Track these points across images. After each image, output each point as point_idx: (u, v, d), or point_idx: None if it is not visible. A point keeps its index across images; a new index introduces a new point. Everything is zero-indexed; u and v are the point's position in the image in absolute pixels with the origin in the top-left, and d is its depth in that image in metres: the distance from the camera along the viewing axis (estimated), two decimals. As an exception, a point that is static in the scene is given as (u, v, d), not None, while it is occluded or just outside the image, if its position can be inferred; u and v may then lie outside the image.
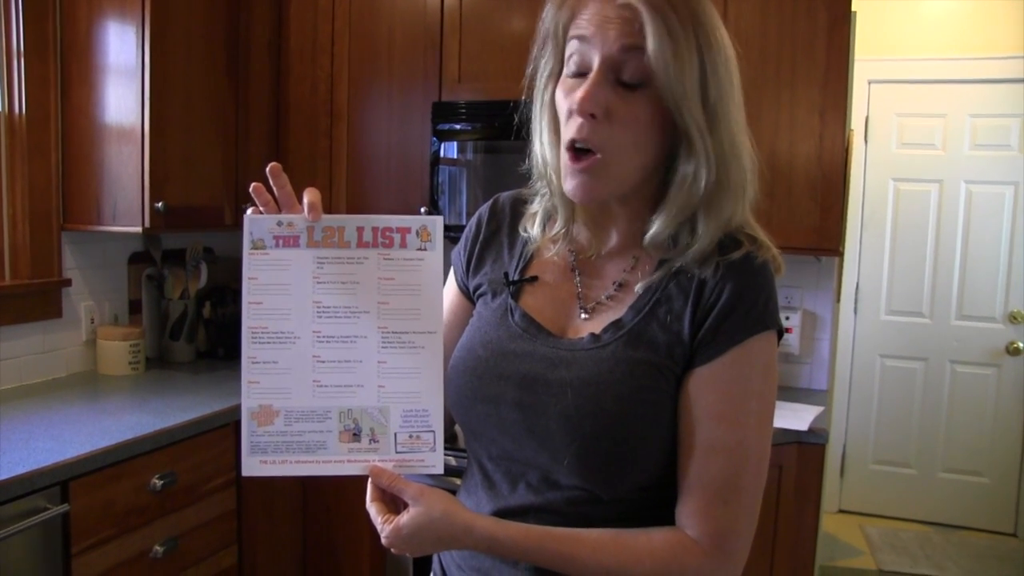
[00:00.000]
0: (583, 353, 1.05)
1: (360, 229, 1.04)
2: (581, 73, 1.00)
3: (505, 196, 1.24)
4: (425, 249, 1.05)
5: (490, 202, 1.24)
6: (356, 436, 1.04)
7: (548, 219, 1.15)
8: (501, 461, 1.11)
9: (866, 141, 4.43)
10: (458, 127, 2.77)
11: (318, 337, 1.03)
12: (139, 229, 2.55)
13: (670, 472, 1.03)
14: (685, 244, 1.04)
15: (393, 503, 1.05)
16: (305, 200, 1.02)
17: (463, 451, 1.14)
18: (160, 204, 2.54)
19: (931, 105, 4.34)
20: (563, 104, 1.02)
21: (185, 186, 2.67)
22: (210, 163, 2.78)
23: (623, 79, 0.98)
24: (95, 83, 2.58)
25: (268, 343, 1.03)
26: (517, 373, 1.07)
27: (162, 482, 2.14)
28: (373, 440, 1.04)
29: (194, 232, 3.02)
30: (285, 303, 1.03)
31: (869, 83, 4.38)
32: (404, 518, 1.01)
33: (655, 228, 1.04)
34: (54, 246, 2.65)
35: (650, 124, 0.99)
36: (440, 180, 2.81)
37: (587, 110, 0.97)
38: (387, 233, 1.04)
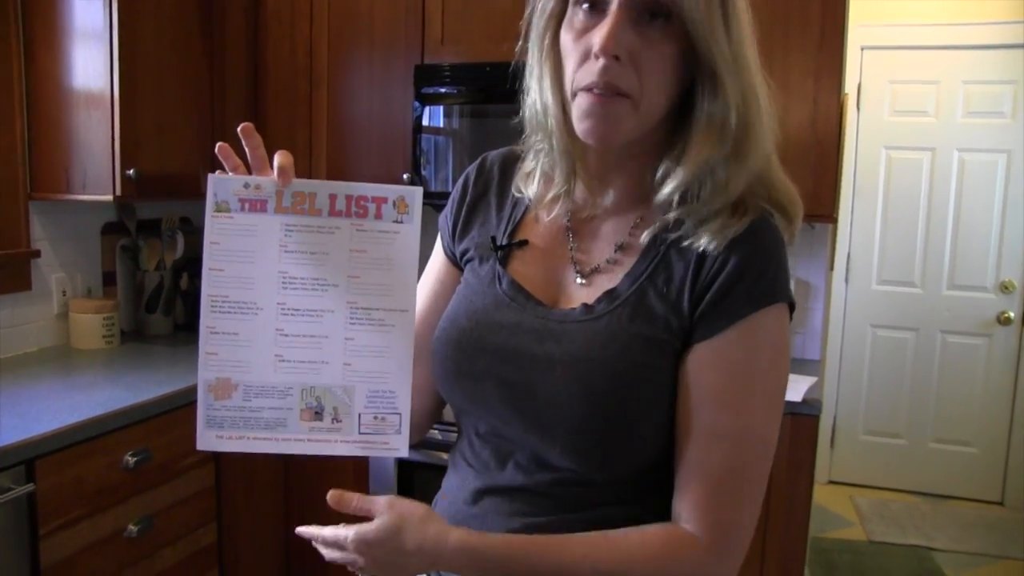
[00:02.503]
0: (574, 325, 0.98)
1: (333, 197, 0.97)
2: (594, 6, 0.91)
3: (494, 155, 1.16)
4: (401, 222, 0.97)
5: (477, 161, 1.16)
6: (318, 415, 0.97)
7: (545, 179, 1.07)
8: (490, 438, 1.04)
9: (858, 108, 4.36)
10: (442, 91, 2.68)
11: (282, 309, 0.96)
12: (110, 197, 2.45)
13: (671, 453, 0.96)
14: (700, 199, 0.95)
15: None
16: (275, 162, 0.94)
17: (451, 424, 1.07)
18: (132, 171, 2.44)
19: (924, 72, 4.26)
20: (573, 46, 0.93)
21: (158, 153, 2.57)
22: (184, 129, 2.68)
23: (645, 12, 0.89)
24: (61, 45, 2.47)
25: (229, 313, 0.96)
26: (502, 347, 1.00)
27: (135, 459, 2.07)
28: (336, 420, 0.97)
29: (169, 201, 2.93)
30: (249, 271, 0.96)
31: (862, 49, 4.30)
32: (372, 525, 0.93)
33: (675, 182, 0.95)
34: (21, 216, 2.55)
35: (674, 62, 0.91)
36: (424, 146, 2.72)
37: (611, 51, 0.88)
38: (362, 202, 0.97)
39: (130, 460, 2.06)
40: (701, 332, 0.93)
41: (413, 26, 2.77)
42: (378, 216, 0.97)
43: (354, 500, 0.96)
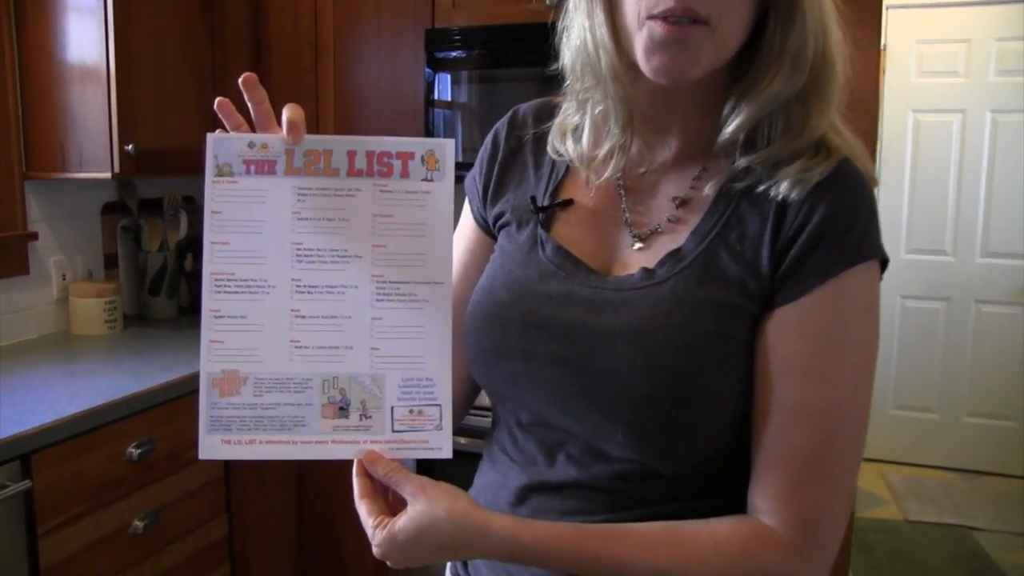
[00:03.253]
0: (634, 293, 0.84)
1: (351, 154, 0.84)
2: None
3: (526, 107, 1.02)
4: (431, 179, 0.84)
5: (508, 115, 1.02)
6: (343, 411, 0.84)
7: (595, 133, 0.93)
8: (535, 428, 0.91)
9: (884, 71, 4.19)
10: (453, 55, 2.53)
11: (297, 286, 0.83)
12: (108, 175, 2.32)
13: (745, 441, 0.83)
14: (772, 142, 0.82)
15: (389, 501, 0.85)
16: (284, 117, 0.82)
17: (486, 410, 0.93)
18: (130, 147, 2.30)
19: (953, 30, 4.08)
20: None
21: (158, 128, 2.43)
22: (185, 103, 2.54)
23: None
24: (54, 15, 2.34)
25: (235, 293, 0.83)
26: (551, 321, 0.86)
27: (139, 451, 1.95)
28: (364, 416, 0.84)
29: (170, 178, 2.79)
30: (257, 244, 0.83)
31: (887, 8, 4.11)
32: (401, 520, 0.80)
33: (740, 118, 0.82)
34: (16, 196, 2.42)
35: None
36: (435, 115, 2.58)
37: None
38: (385, 159, 0.84)
39: (133, 452, 1.94)
40: (784, 294, 0.80)
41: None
42: (404, 174, 0.84)
43: (388, 468, 0.83)
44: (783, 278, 0.80)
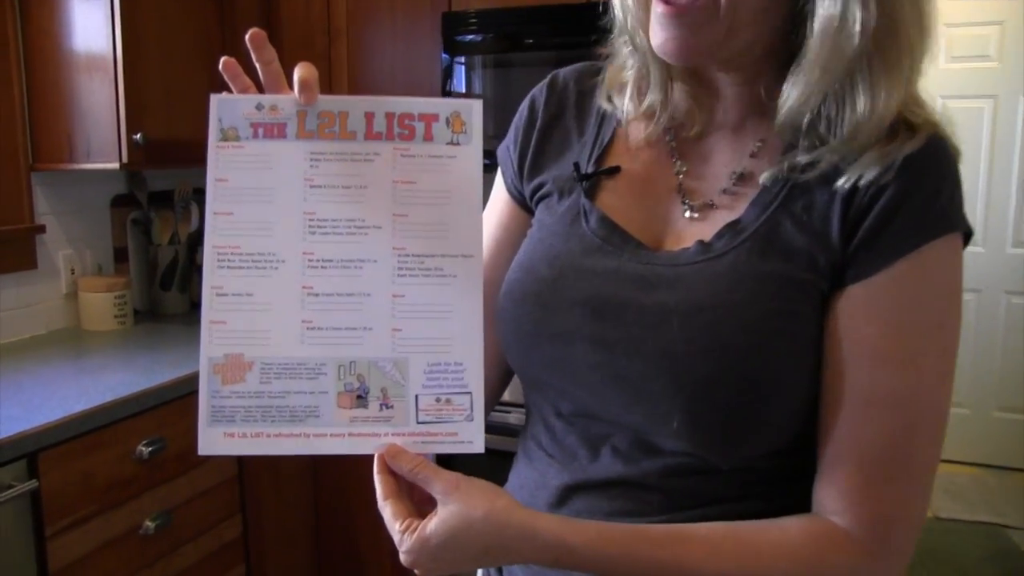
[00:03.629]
0: (690, 268, 0.76)
1: (369, 115, 0.76)
2: None
3: (567, 71, 0.94)
4: (458, 143, 0.76)
5: (546, 80, 0.94)
6: (361, 399, 0.76)
7: (638, 88, 0.86)
8: (576, 419, 0.83)
9: (911, 56, 4.08)
10: (472, 39, 2.45)
11: (310, 260, 0.75)
12: (116, 165, 2.25)
13: (813, 432, 0.75)
14: (840, 131, 0.73)
15: (415, 501, 0.77)
16: (296, 76, 0.75)
17: (517, 405, 0.84)
18: (139, 136, 2.24)
19: (984, 12, 3.96)
20: None
21: (167, 117, 2.36)
22: (195, 91, 2.46)
23: None
24: (59, 1, 2.27)
25: (240, 268, 0.75)
26: (597, 298, 0.78)
27: (150, 449, 1.88)
28: (385, 405, 0.76)
29: (181, 169, 2.72)
30: (266, 213, 0.75)
31: (914, -8, 4.01)
32: (432, 523, 0.72)
33: (790, 100, 0.73)
34: (23, 188, 2.36)
35: None
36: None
37: None
38: (406, 121, 0.76)
39: (144, 450, 1.87)
40: (857, 269, 0.72)
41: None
42: (428, 137, 0.76)
43: (414, 464, 0.74)
44: (856, 251, 0.72)
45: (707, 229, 0.79)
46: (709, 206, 0.81)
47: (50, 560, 1.66)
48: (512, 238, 0.92)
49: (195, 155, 2.39)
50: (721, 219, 0.79)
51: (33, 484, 1.61)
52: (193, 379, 2.02)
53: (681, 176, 0.83)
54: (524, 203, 0.93)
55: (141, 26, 2.27)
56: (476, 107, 0.77)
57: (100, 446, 1.78)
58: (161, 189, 2.75)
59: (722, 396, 0.72)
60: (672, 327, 0.74)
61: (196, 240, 2.77)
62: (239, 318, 0.75)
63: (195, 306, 2.81)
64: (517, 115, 0.94)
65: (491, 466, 0.97)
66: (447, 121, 0.76)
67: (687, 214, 0.81)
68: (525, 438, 0.91)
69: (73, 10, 2.26)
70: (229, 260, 0.76)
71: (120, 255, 2.69)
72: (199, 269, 2.75)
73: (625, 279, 0.78)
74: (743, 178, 0.79)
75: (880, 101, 0.71)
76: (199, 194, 2.80)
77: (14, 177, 2.33)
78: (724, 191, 0.80)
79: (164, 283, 2.70)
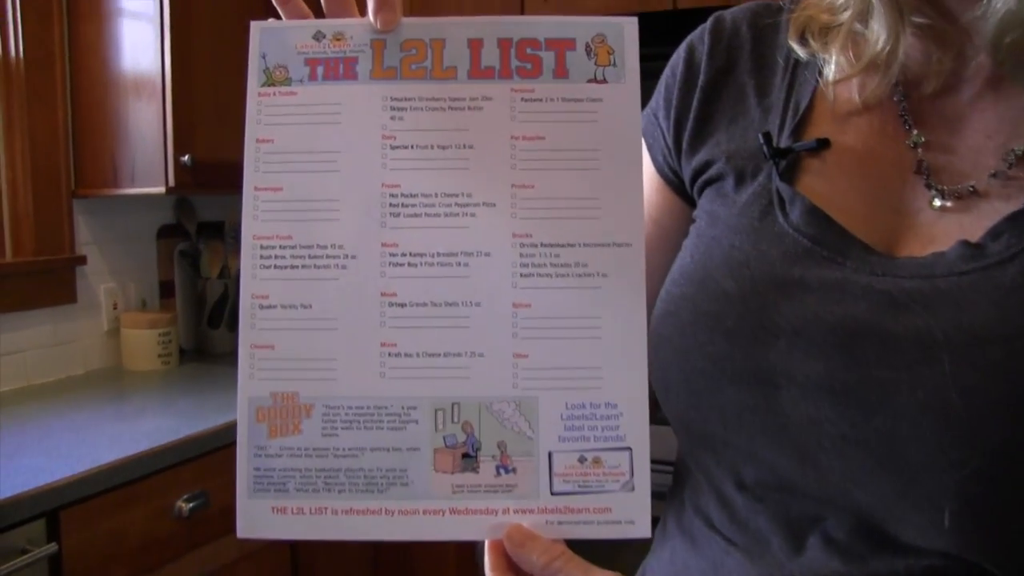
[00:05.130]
0: (956, 281, 0.51)
1: (475, 44, 0.53)
2: None
3: (736, 10, 0.69)
4: (604, 79, 0.53)
5: (708, 23, 0.69)
6: (469, 459, 0.51)
7: (851, 37, 0.61)
8: (768, 493, 0.57)
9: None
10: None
11: (392, 256, 0.52)
12: (162, 189, 2.08)
13: None
14: None
15: None
16: None
17: (661, 462, 0.57)
18: (187, 158, 2.06)
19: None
20: None
21: (217, 138, 2.17)
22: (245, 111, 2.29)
23: None
24: (108, 16, 2.13)
25: (293, 268, 0.52)
26: (815, 324, 0.54)
27: (191, 505, 1.65)
28: (504, 468, 0.51)
29: (231, 197, 2.53)
30: (328, 189, 0.53)
31: None
32: None
33: None
34: (64, 215, 2.18)
35: None
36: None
37: None
38: (529, 50, 0.53)
39: (183, 507, 1.64)
40: None
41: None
42: (560, 73, 0.53)
43: (549, 556, 0.49)
44: None
45: (972, 224, 0.53)
46: (971, 193, 0.55)
47: (73, 636, 1.44)
48: (667, 236, 0.67)
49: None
50: (993, 210, 0.53)
51: (52, 548, 1.38)
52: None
53: (920, 150, 0.58)
54: (681, 188, 0.68)
55: (192, 44, 2.12)
56: (629, 27, 0.53)
57: (133, 501, 1.56)
58: (211, 220, 2.57)
59: (1017, 470, 0.46)
60: (940, 367, 0.48)
61: (248, 274, 2.58)
62: (292, 341, 0.52)
63: (245, 345, 2.61)
64: (668, 70, 0.70)
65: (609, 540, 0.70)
66: (587, 48, 0.53)
67: (936, 202, 0.56)
68: (682, 509, 0.66)
69: (122, 26, 2.13)
70: (277, 257, 0.52)
71: (166, 289, 2.50)
72: (250, 305, 2.56)
73: (856, 296, 0.53)
74: (1022, 159, 0.54)
75: None
76: (252, 225, 2.62)
77: (55, 203, 2.16)
78: (993, 174, 0.54)
79: (212, 320, 2.50)
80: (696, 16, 0.71)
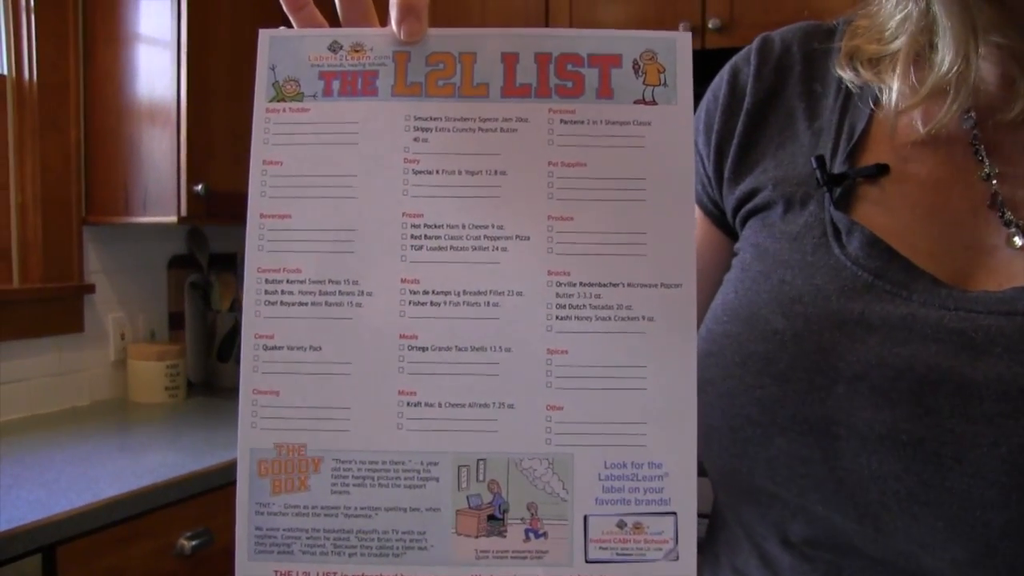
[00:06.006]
0: None
1: (510, 59, 0.48)
2: None
3: (784, 31, 0.65)
4: (654, 101, 0.48)
5: (754, 44, 0.65)
6: (496, 521, 0.46)
7: (914, 61, 0.56)
8: (817, 552, 0.52)
9: None
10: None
11: (413, 294, 0.47)
12: (174, 218, 2.05)
13: None
14: None
15: None
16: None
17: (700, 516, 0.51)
18: (200, 187, 2.03)
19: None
20: None
21: (232, 168, 2.15)
22: (263, 140, 2.27)
23: None
24: (125, 42, 2.11)
25: (302, 305, 0.48)
26: (880, 368, 0.49)
27: (193, 543, 1.60)
28: (534, 532, 0.46)
29: (244, 226, 2.51)
30: (343, 217, 0.48)
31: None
32: None
33: None
34: (74, 243, 2.15)
35: None
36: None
37: None
38: (569, 66, 0.48)
39: (186, 544, 1.59)
40: None
41: (535, 16, 2.32)
42: (605, 93, 0.48)
43: None
44: None
45: None
46: None
47: None
48: (706, 271, 0.62)
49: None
50: None
51: (47, 586, 1.33)
52: (246, 461, 1.75)
53: (995, 182, 0.53)
54: (722, 219, 0.64)
55: (209, 68, 2.10)
56: (682, 42, 0.48)
57: (134, 538, 1.51)
58: (223, 251, 2.53)
59: None
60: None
61: (258, 305, 2.54)
62: (299, 387, 0.47)
63: (254, 378, 2.56)
64: (708, 94, 0.65)
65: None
66: (635, 66, 0.48)
67: (1017, 240, 0.51)
68: (716, 565, 0.61)
69: (138, 52, 2.11)
70: (284, 292, 0.48)
71: (175, 321, 2.46)
72: (260, 337, 2.52)
73: (924, 336, 0.48)
74: None
75: None
76: (264, 256, 2.58)
77: (65, 230, 2.13)
78: None
79: (222, 354, 2.45)
80: (725, 56, 0.67)
